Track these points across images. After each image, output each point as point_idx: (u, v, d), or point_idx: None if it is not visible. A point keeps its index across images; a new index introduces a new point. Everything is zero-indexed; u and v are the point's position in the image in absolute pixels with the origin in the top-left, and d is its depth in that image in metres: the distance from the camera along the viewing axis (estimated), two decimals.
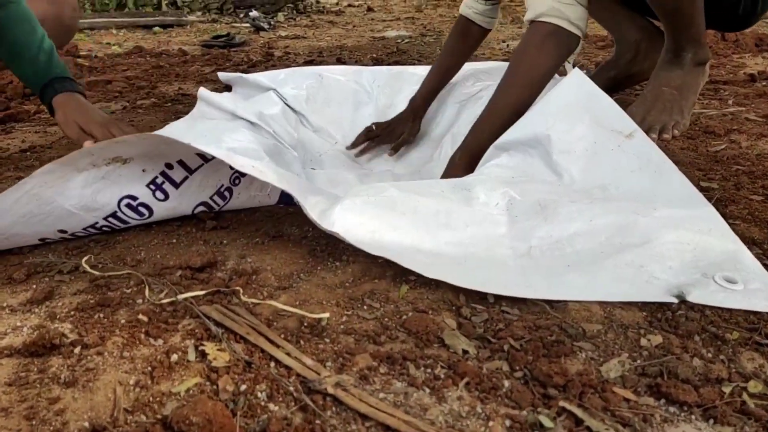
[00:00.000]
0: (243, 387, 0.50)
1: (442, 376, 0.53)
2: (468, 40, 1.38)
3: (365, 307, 0.64)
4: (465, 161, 1.07)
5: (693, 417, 0.49)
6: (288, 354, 0.54)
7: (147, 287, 0.65)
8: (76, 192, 0.75)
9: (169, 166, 0.81)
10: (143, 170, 0.80)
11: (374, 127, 1.62)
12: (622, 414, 0.49)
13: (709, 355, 0.57)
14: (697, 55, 1.17)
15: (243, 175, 0.88)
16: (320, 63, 2.31)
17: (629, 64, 1.46)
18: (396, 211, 0.80)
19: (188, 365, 0.53)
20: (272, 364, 0.54)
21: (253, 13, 3.89)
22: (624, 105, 0.99)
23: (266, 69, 2.23)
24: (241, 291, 0.64)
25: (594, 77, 1.38)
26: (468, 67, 1.56)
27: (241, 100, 1.76)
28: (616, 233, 0.73)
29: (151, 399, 0.49)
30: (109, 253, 0.76)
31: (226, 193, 0.87)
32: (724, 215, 0.78)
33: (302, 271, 0.71)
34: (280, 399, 0.50)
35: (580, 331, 0.60)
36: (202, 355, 0.54)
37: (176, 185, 0.82)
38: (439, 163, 1.36)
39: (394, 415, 0.48)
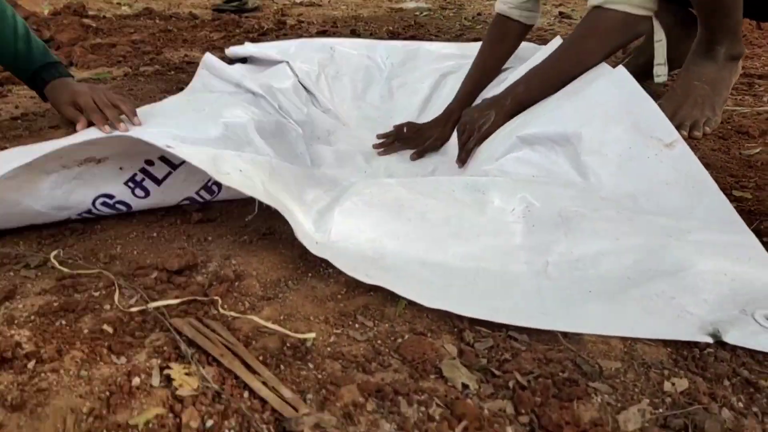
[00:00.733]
0: (209, 423, 0.44)
1: (437, 417, 0.47)
2: (506, 40, 1.27)
3: (357, 326, 0.58)
4: (512, 107, 1.06)
5: None
6: (264, 383, 0.48)
7: (117, 291, 0.59)
8: (45, 193, 0.70)
9: (150, 162, 0.75)
10: (120, 168, 0.73)
11: (405, 129, 1.54)
12: None
13: (740, 404, 0.50)
14: (732, 49, 1.07)
15: None
16: (334, 34, 2.21)
17: None
18: (402, 217, 0.73)
19: (150, 391, 0.47)
20: (246, 394, 0.48)
21: None
22: (654, 97, 0.90)
23: (277, 38, 2.13)
24: (220, 301, 0.57)
25: (623, 64, 1.29)
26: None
27: (249, 71, 1.68)
28: (646, 257, 0.65)
29: None
30: (83, 245, 0.70)
31: (214, 188, 0.80)
32: (757, 232, 0.71)
33: (291, 278, 0.64)
34: None
35: (596, 368, 0.53)
36: (167, 379, 0.48)
37: (158, 182, 0.75)
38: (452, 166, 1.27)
39: None
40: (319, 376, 0.50)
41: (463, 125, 1.15)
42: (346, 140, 1.73)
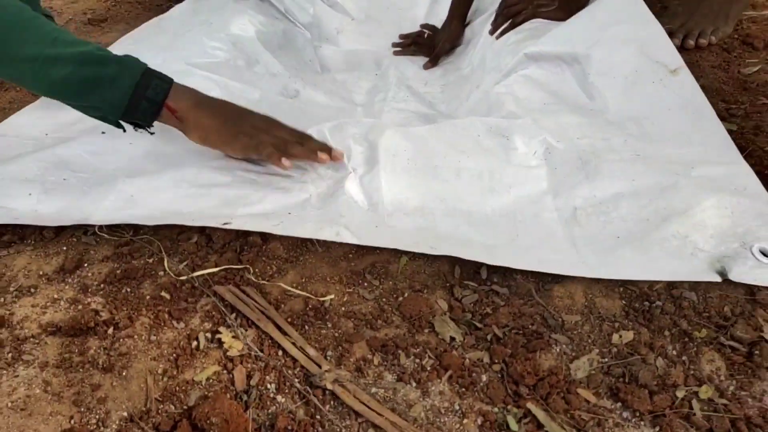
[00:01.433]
0: (255, 378, 0.59)
1: (429, 367, 0.61)
2: None
3: (366, 284, 0.70)
4: None
5: (642, 423, 0.56)
6: (294, 344, 0.62)
7: (165, 258, 0.71)
8: None
9: None
10: None
11: (426, 35, 1.55)
12: (581, 416, 0.57)
13: (674, 353, 0.63)
14: None
15: None
16: None
17: None
18: (439, 178, 0.82)
19: (207, 352, 0.61)
20: (280, 353, 0.61)
21: None
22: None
23: None
24: (251, 269, 0.69)
25: None
26: None
27: None
28: (659, 196, 0.75)
29: (177, 389, 0.58)
30: None
31: None
32: None
33: (309, 239, 0.76)
34: (287, 391, 0.58)
35: (559, 322, 0.66)
36: (219, 342, 0.62)
37: None
38: (470, 81, 1.29)
39: (382, 414, 0.56)
40: (336, 335, 0.64)
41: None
42: (355, 38, 1.73)
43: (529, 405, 0.57)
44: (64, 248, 0.74)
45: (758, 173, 0.80)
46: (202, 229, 0.75)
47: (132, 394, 0.57)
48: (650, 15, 0.95)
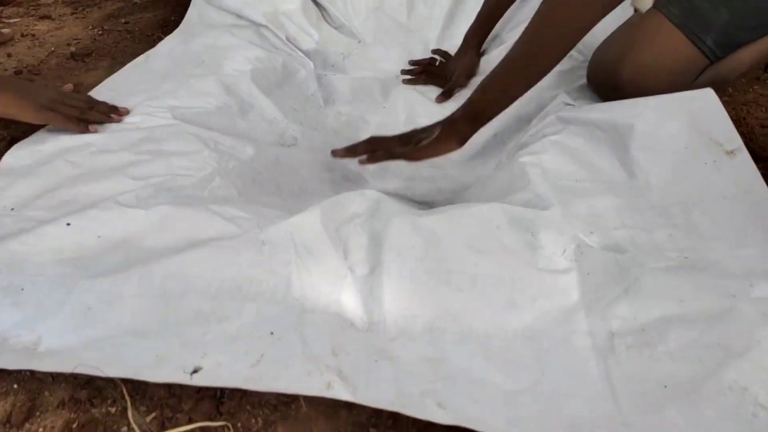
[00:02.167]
0: None
1: None
2: None
3: None
4: (466, 124, 0.90)
5: None
6: None
7: (130, 409, 0.60)
8: None
9: None
10: None
11: (438, 63, 1.41)
12: None
13: None
14: None
15: None
16: None
17: None
18: (452, 286, 0.69)
19: None
20: None
21: None
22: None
23: None
24: (231, 428, 0.58)
25: None
26: None
27: None
28: (712, 325, 0.62)
29: None
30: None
31: None
32: None
33: None
34: None
35: None
36: None
37: None
38: None
39: None
40: None
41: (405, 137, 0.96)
42: (362, 63, 1.61)
43: None
44: (15, 386, 0.63)
45: None
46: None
47: None
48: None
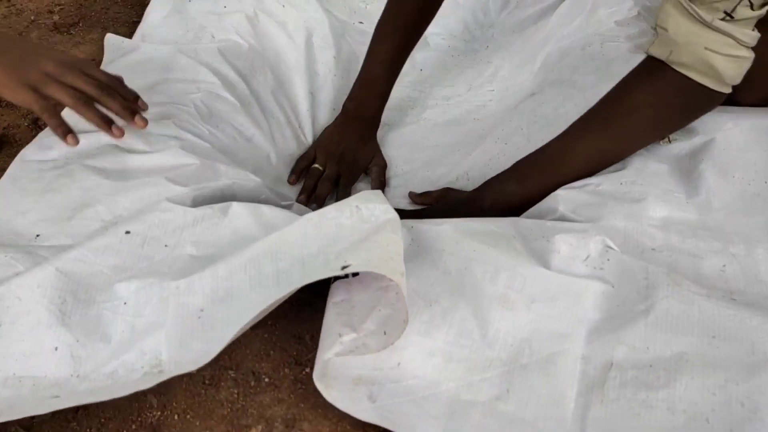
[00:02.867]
0: None
1: None
2: None
3: None
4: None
5: None
6: None
7: None
8: None
9: None
10: None
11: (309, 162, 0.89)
12: None
13: None
14: None
15: None
16: None
17: None
18: (439, 267, 0.59)
19: None
20: None
21: None
22: None
23: None
24: None
25: None
26: None
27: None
28: (743, 378, 0.52)
29: None
30: None
31: None
32: None
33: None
34: None
35: None
36: None
37: None
38: None
39: None
40: None
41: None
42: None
43: None
44: None
45: None
46: None
47: None
48: None
